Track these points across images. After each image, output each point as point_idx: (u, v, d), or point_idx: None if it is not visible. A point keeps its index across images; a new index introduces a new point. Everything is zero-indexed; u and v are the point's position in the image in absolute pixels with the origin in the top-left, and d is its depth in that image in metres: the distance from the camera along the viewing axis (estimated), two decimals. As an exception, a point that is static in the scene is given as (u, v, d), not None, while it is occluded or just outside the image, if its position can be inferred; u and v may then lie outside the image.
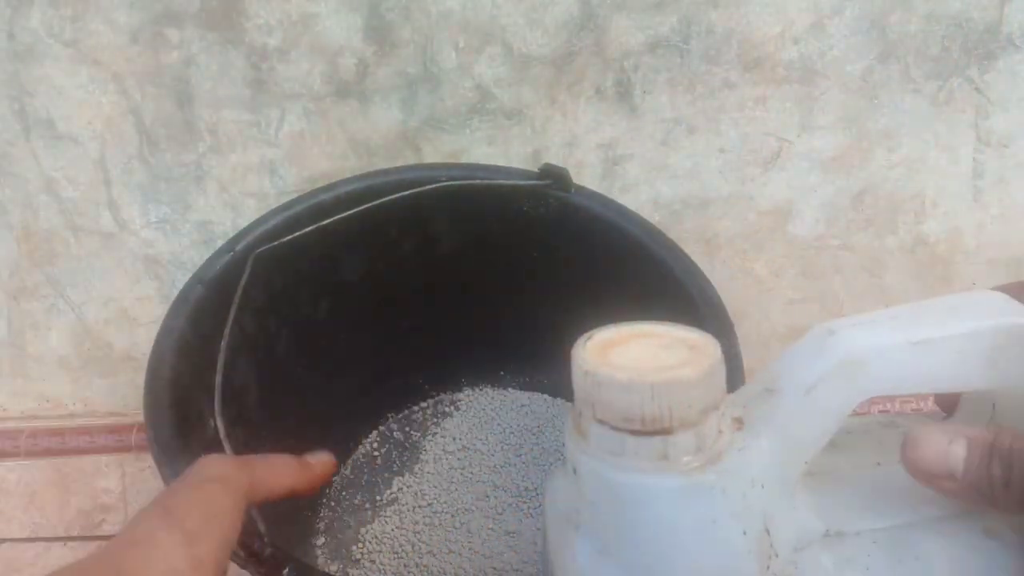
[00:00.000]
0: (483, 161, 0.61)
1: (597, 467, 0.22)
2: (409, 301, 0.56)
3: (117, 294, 0.65)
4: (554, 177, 0.51)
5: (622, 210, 0.51)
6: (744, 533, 0.22)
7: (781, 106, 0.59)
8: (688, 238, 0.63)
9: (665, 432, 0.21)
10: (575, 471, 0.23)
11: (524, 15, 0.58)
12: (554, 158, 0.61)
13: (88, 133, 0.61)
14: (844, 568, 0.23)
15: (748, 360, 0.66)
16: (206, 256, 0.65)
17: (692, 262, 0.45)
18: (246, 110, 0.60)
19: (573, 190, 0.52)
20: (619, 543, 0.23)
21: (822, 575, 0.23)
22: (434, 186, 0.51)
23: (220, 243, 0.64)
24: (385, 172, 0.53)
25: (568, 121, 0.60)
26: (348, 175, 0.62)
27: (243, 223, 0.63)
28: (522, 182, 0.52)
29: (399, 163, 0.61)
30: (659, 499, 0.21)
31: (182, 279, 0.61)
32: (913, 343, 0.22)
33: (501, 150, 0.61)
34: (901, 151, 0.60)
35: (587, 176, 0.61)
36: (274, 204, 0.63)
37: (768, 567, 0.22)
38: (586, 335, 0.23)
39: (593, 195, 0.52)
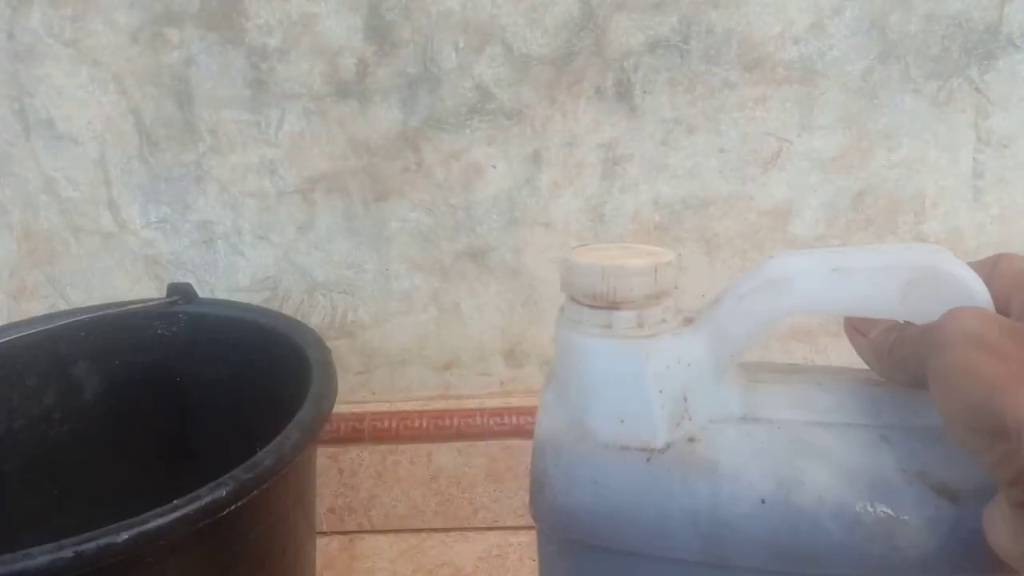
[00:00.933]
0: (483, 161, 0.61)
1: (564, 332, 0.29)
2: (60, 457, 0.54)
3: (117, 294, 0.65)
4: (180, 293, 0.55)
5: (242, 306, 0.55)
6: (660, 392, 0.28)
7: (781, 106, 0.59)
8: (688, 238, 0.63)
9: (611, 307, 0.28)
10: (555, 338, 0.30)
11: (524, 15, 0.58)
12: (554, 158, 0.61)
13: (88, 133, 0.61)
14: (743, 440, 0.28)
15: (748, 360, 0.66)
16: (206, 256, 0.65)
17: (306, 327, 0.52)
18: (246, 110, 0.60)
19: (197, 301, 0.56)
20: (569, 389, 0.30)
21: (722, 441, 0.28)
22: (67, 321, 0.53)
23: (220, 243, 0.64)
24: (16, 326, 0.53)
25: (568, 121, 0.60)
26: (348, 175, 0.62)
27: (243, 223, 0.64)
28: (152, 304, 0.55)
29: (399, 163, 0.61)
30: (598, 356, 0.28)
31: (182, 279, 0.61)
32: (833, 269, 0.27)
33: (501, 150, 0.61)
34: (901, 151, 0.60)
35: (587, 176, 0.61)
36: (274, 204, 0.63)
37: (679, 424, 0.29)
38: (582, 244, 0.30)
39: (216, 301, 0.57)
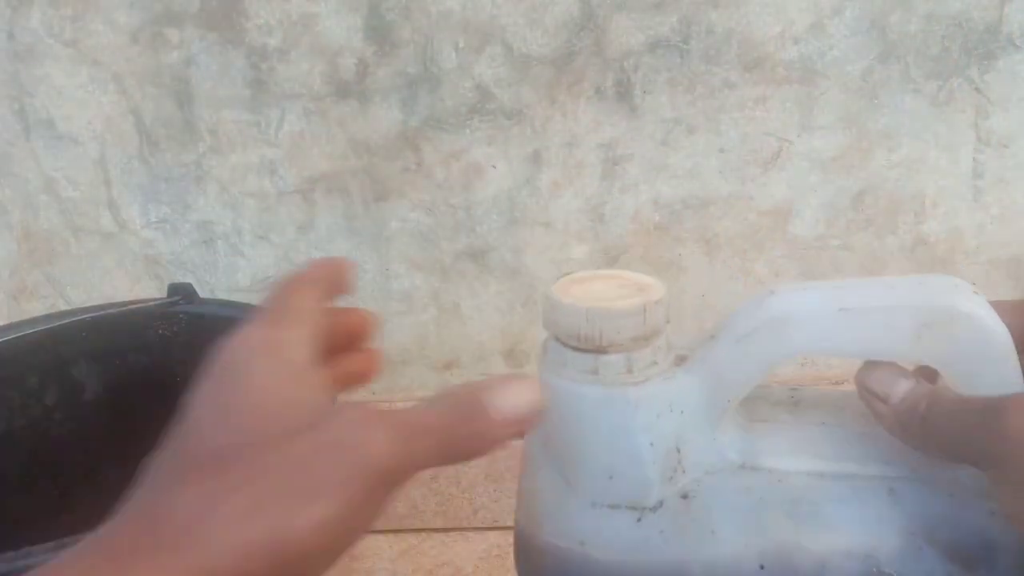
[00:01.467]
0: (483, 161, 0.61)
1: (547, 375, 0.27)
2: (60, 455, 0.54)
3: (117, 294, 0.65)
4: (181, 293, 0.54)
5: (242, 306, 0.55)
6: (651, 445, 0.26)
7: (781, 106, 0.59)
8: (688, 238, 0.63)
9: (598, 351, 0.25)
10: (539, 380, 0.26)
11: (524, 15, 0.58)
12: (554, 158, 0.61)
13: (88, 133, 0.61)
14: (741, 496, 0.26)
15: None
16: (206, 256, 0.65)
17: None
18: (246, 110, 0.60)
19: (197, 301, 0.55)
20: (554, 439, 0.28)
21: (719, 497, 0.26)
22: (67, 321, 0.52)
23: (220, 243, 0.64)
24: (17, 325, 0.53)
25: (568, 121, 0.60)
26: (348, 175, 0.62)
27: (243, 223, 0.64)
28: (152, 304, 0.54)
29: (399, 163, 0.61)
30: (584, 405, 0.26)
31: (182, 279, 0.61)
32: (840, 309, 0.25)
33: (501, 150, 0.61)
34: (901, 151, 0.60)
35: (587, 176, 0.61)
36: (274, 204, 0.63)
37: (671, 478, 0.26)
38: (563, 273, 0.28)
39: (218, 301, 0.56)
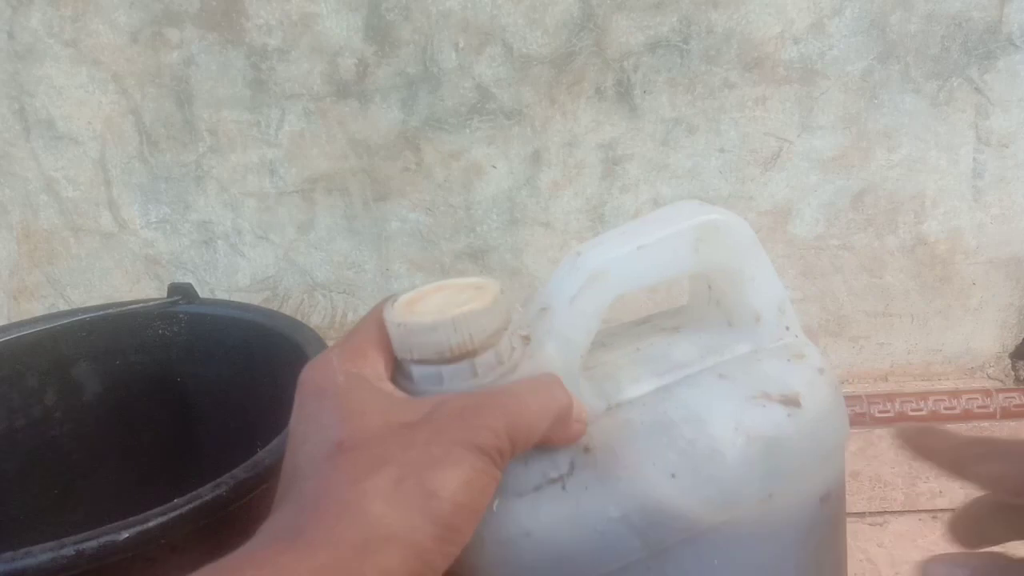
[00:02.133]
0: (483, 161, 0.61)
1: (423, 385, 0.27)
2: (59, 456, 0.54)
3: (117, 294, 0.65)
4: (181, 293, 0.54)
5: (242, 306, 0.55)
6: None
7: (781, 106, 0.59)
8: (688, 238, 0.63)
9: (472, 355, 0.26)
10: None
11: (524, 15, 0.58)
12: (554, 158, 0.61)
13: (88, 133, 0.61)
14: (626, 430, 0.29)
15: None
16: (206, 256, 0.65)
17: (306, 327, 0.51)
18: (246, 110, 0.60)
19: (197, 301, 0.55)
20: None
21: (610, 439, 0.28)
22: (67, 321, 0.52)
23: (220, 243, 0.64)
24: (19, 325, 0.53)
25: (568, 121, 0.60)
26: (348, 175, 0.62)
27: (243, 223, 0.64)
28: (152, 304, 0.54)
29: (399, 163, 0.61)
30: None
31: (182, 279, 0.61)
32: (638, 248, 0.29)
33: (501, 150, 0.61)
34: (901, 151, 0.60)
35: (587, 176, 0.61)
36: (274, 204, 0.63)
37: None
38: (390, 298, 0.28)
39: (218, 301, 0.56)
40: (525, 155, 0.61)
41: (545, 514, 0.28)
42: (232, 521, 0.34)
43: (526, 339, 0.29)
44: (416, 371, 0.27)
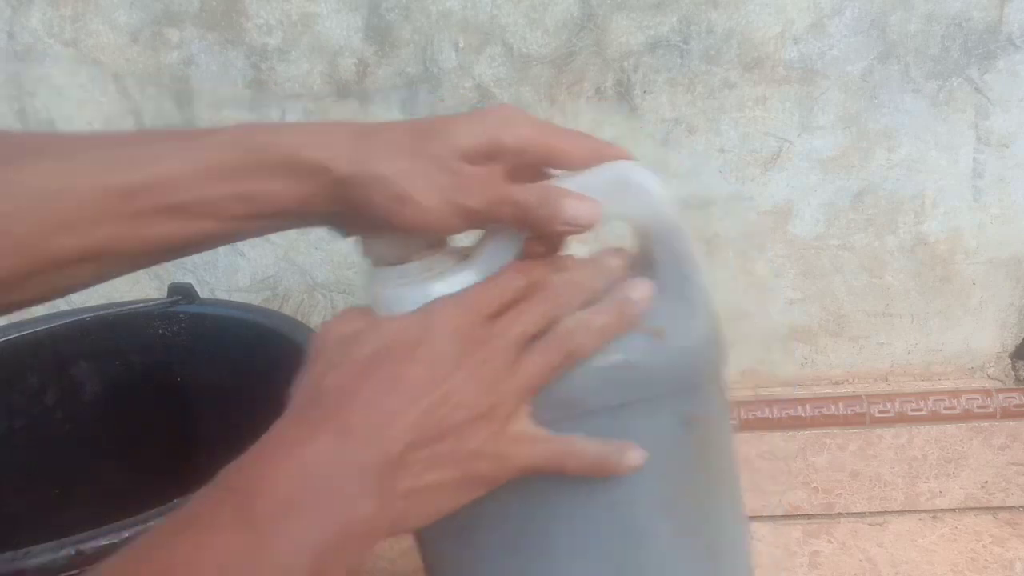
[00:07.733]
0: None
1: (378, 290, 0.35)
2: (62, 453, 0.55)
3: (117, 294, 0.65)
4: (181, 293, 0.55)
5: (242, 306, 0.56)
6: None
7: (781, 106, 0.59)
8: (688, 238, 0.63)
9: (404, 262, 0.35)
10: (372, 301, 0.36)
11: (524, 15, 0.58)
12: (554, 158, 0.61)
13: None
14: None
15: (749, 360, 0.67)
16: (206, 256, 0.65)
17: (306, 327, 0.53)
18: (246, 110, 0.60)
19: (197, 301, 0.56)
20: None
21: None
22: (67, 321, 0.53)
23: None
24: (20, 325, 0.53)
25: (568, 121, 0.60)
26: (348, 175, 0.62)
27: (243, 223, 0.64)
28: (152, 304, 0.55)
29: (399, 163, 0.61)
30: (405, 297, 0.34)
31: (182, 279, 0.61)
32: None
33: (501, 150, 0.61)
34: (901, 151, 0.60)
35: (587, 176, 0.61)
36: (274, 204, 0.63)
37: None
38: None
39: (218, 301, 0.57)
40: (525, 155, 0.61)
41: None
42: (232, 521, 0.34)
43: (465, 255, 0.36)
44: (376, 274, 0.36)
